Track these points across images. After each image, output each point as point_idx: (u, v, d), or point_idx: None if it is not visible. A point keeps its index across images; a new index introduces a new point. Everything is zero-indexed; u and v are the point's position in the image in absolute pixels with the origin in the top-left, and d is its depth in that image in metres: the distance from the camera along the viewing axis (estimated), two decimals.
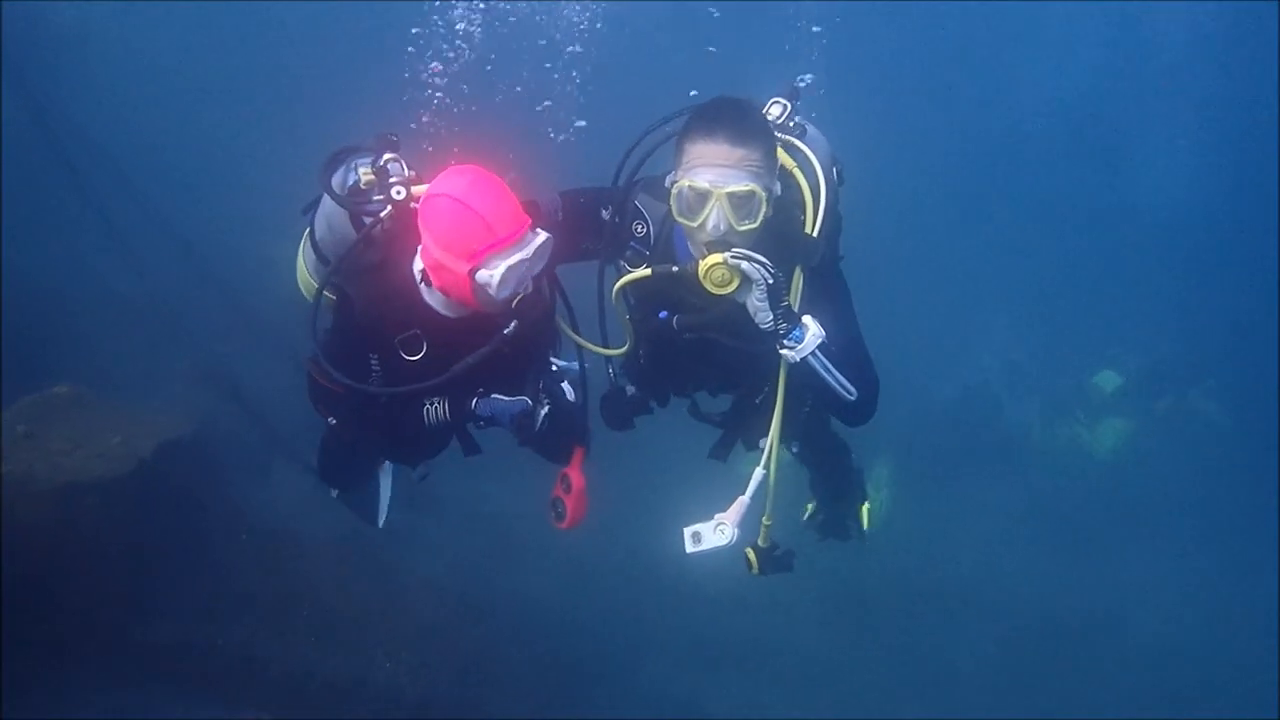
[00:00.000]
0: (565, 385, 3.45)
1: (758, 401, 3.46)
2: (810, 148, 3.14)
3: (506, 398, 3.24)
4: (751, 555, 3.37)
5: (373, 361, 3.17)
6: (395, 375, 3.17)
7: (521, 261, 2.88)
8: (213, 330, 8.35)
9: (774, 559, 3.39)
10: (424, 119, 5.35)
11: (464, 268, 2.87)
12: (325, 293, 3.26)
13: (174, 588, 5.98)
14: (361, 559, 6.95)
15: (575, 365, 3.57)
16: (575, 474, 3.50)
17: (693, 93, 3.37)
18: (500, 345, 3.01)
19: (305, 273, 3.47)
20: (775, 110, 3.16)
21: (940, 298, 15.62)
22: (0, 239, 7.64)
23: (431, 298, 3.08)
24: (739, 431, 3.70)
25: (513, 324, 2.98)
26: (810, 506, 4.48)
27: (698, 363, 3.44)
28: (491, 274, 2.85)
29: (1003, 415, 12.36)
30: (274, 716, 6.10)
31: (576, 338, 3.50)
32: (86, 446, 5.67)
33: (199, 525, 6.31)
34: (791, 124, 3.16)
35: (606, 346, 3.53)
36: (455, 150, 3.21)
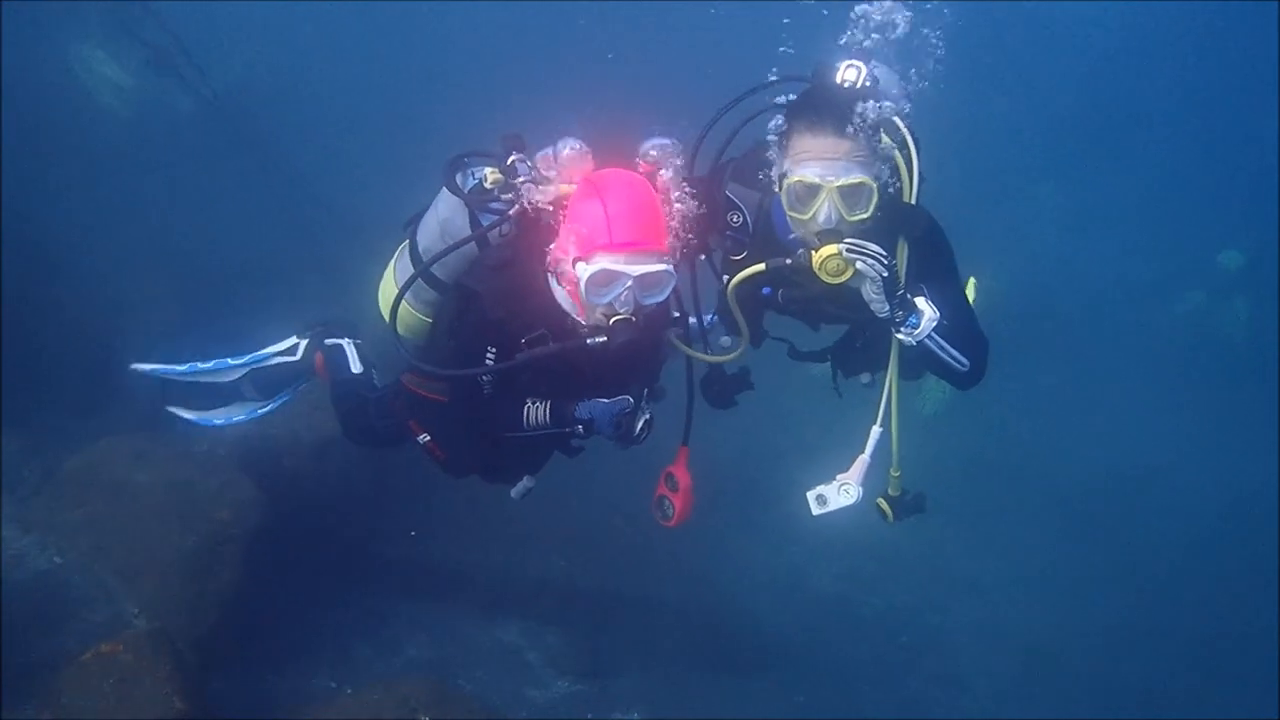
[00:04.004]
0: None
1: (859, 345, 3.51)
2: (890, 107, 2.96)
3: (607, 400, 3.12)
4: (885, 506, 3.35)
5: (489, 355, 3.05)
6: (512, 373, 3.08)
7: (622, 274, 2.78)
8: None
9: (906, 504, 3.37)
10: None
11: (572, 254, 2.84)
12: (424, 307, 3.36)
13: (395, 514, 7.38)
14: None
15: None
16: (681, 472, 3.44)
17: (772, 75, 3.23)
18: (574, 348, 2.91)
19: (393, 285, 3.51)
20: (851, 74, 2.98)
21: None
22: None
23: (559, 294, 3.01)
24: (840, 363, 3.70)
25: (600, 338, 2.86)
26: None
27: (802, 319, 3.51)
28: (587, 269, 2.77)
29: (1057, 302, 12.79)
30: (482, 610, 7.57)
31: (689, 350, 3.46)
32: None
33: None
34: (866, 84, 2.98)
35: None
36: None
